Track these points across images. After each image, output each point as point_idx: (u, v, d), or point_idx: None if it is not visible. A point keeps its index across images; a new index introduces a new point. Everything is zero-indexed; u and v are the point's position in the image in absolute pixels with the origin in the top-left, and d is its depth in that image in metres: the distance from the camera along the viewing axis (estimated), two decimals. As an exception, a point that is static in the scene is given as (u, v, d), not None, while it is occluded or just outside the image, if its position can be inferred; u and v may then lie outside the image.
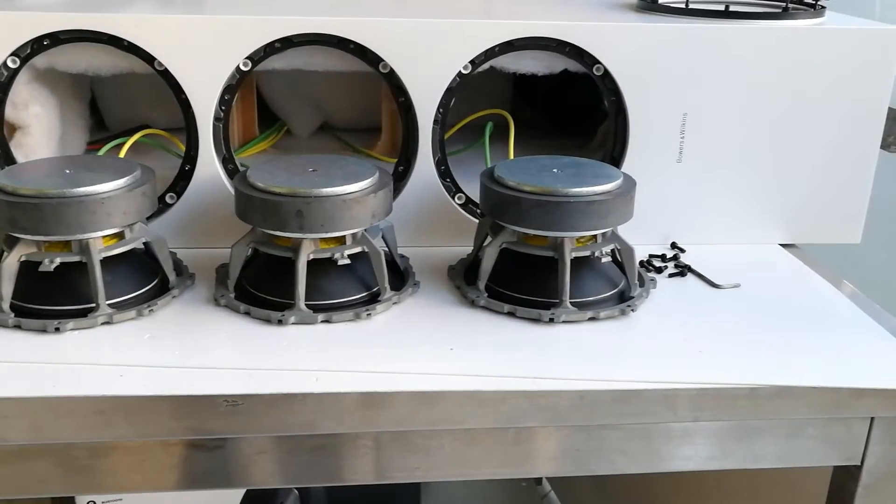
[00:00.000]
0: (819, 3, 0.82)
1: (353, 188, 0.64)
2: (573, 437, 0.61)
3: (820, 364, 0.62)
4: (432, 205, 0.77)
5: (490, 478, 0.62)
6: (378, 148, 0.90)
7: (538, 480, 1.42)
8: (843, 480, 0.65)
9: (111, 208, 0.62)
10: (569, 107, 0.97)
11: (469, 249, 0.73)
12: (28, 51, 0.70)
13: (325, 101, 0.97)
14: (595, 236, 0.67)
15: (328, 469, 0.60)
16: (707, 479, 0.87)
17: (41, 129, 0.75)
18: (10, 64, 0.70)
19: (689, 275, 0.74)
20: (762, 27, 0.76)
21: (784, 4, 0.80)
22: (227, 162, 0.75)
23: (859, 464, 0.63)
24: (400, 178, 0.76)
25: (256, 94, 0.91)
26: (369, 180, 0.65)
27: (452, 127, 0.80)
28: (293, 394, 0.56)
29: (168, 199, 0.74)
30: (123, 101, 0.92)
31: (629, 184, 0.67)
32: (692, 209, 0.80)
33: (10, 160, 0.73)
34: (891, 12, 1.03)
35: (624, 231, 0.69)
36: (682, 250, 0.78)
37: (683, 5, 0.81)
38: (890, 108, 0.80)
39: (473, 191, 0.73)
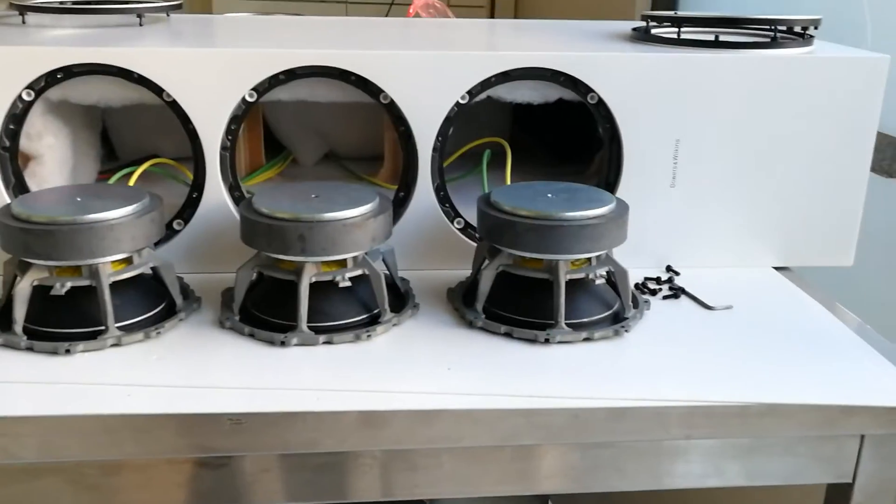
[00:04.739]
0: (807, 33, 0.84)
1: (354, 213, 0.66)
2: (569, 455, 0.62)
3: (810, 382, 0.63)
4: (432, 229, 0.79)
5: (490, 495, 0.63)
6: (381, 175, 0.92)
7: (544, 500, 1.42)
8: (837, 498, 0.66)
9: (120, 234, 0.64)
10: (566, 135, 0.99)
11: (468, 272, 0.75)
12: (42, 84, 0.73)
13: (330, 131, 1.00)
14: (589, 259, 0.68)
15: (331, 487, 0.61)
16: (703, 497, 0.88)
17: (54, 158, 0.78)
18: (25, 97, 0.73)
19: (683, 297, 0.76)
20: (751, 56, 0.78)
21: (773, 34, 0.82)
22: (234, 189, 0.77)
23: (851, 481, 0.64)
24: (400, 203, 0.78)
25: (263, 125, 0.93)
26: (369, 205, 0.67)
27: (452, 155, 0.82)
28: (294, 412, 0.57)
29: (176, 226, 0.77)
30: (133, 131, 0.95)
31: (622, 208, 0.69)
32: (686, 233, 0.81)
33: (24, 189, 0.76)
34: (883, 42, 1.05)
35: (619, 255, 0.70)
36: (677, 273, 0.80)
37: (675, 36, 0.83)
38: (881, 133, 0.81)
39: (472, 216, 0.75)
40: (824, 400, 0.61)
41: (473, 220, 0.75)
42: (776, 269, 0.83)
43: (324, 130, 1.00)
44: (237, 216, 0.73)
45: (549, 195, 0.70)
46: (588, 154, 0.92)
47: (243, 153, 0.90)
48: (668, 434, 0.61)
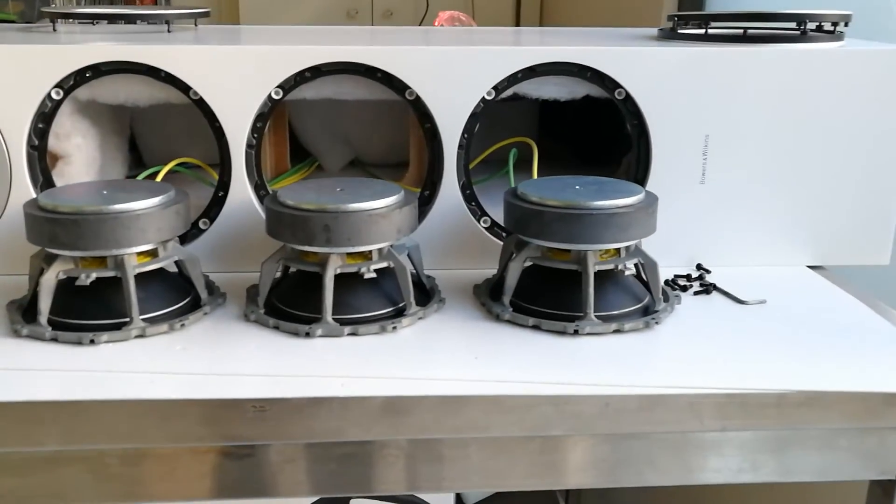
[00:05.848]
0: (838, 29, 0.83)
1: (379, 204, 0.65)
2: (600, 447, 0.60)
3: (849, 372, 0.61)
4: (458, 228, 0.78)
5: (518, 489, 0.62)
6: (406, 179, 0.91)
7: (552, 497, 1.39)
8: (880, 497, 0.63)
9: (146, 224, 0.64)
10: (593, 137, 0.98)
11: (495, 271, 0.74)
12: (71, 82, 0.73)
13: (355, 134, 1.00)
14: (618, 250, 0.67)
15: (356, 479, 0.60)
16: (736, 494, 0.85)
17: (82, 158, 0.78)
18: (54, 95, 0.73)
19: (714, 293, 0.74)
20: (780, 50, 0.77)
21: (801, 29, 0.81)
22: (259, 188, 0.77)
23: (894, 478, 0.61)
24: (426, 201, 0.78)
25: (289, 131, 0.93)
26: (394, 197, 0.67)
27: (478, 156, 0.81)
28: (319, 398, 0.56)
29: (202, 225, 0.76)
30: (160, 136, 0.95)
31: (651, 198, 0.68)
32: (717, 230, 0.80)
33: (52, 188, 0.76)
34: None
35: (649, 251, 0.69)
36: (708, 271, 0.79)
37: (702, 33, 0.82)
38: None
39: (499, 215, 0.74)
40: (865, 387, 0.59)
41: (500, 220, 0.75)
42: (810, 267, 0.82)
43: (349, 135, 1.00)
44: (262, 215, 0.72)
45: (577, 187, 0.69)
46: (615, 155, 0.91)
47: (269, 156, 0.90)
48: (701, 425, 0.59)
